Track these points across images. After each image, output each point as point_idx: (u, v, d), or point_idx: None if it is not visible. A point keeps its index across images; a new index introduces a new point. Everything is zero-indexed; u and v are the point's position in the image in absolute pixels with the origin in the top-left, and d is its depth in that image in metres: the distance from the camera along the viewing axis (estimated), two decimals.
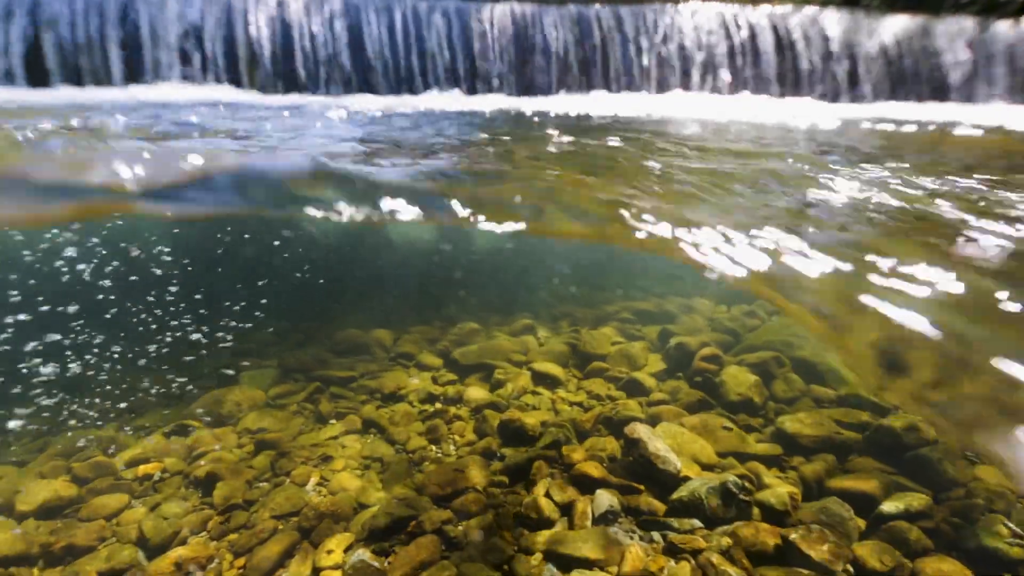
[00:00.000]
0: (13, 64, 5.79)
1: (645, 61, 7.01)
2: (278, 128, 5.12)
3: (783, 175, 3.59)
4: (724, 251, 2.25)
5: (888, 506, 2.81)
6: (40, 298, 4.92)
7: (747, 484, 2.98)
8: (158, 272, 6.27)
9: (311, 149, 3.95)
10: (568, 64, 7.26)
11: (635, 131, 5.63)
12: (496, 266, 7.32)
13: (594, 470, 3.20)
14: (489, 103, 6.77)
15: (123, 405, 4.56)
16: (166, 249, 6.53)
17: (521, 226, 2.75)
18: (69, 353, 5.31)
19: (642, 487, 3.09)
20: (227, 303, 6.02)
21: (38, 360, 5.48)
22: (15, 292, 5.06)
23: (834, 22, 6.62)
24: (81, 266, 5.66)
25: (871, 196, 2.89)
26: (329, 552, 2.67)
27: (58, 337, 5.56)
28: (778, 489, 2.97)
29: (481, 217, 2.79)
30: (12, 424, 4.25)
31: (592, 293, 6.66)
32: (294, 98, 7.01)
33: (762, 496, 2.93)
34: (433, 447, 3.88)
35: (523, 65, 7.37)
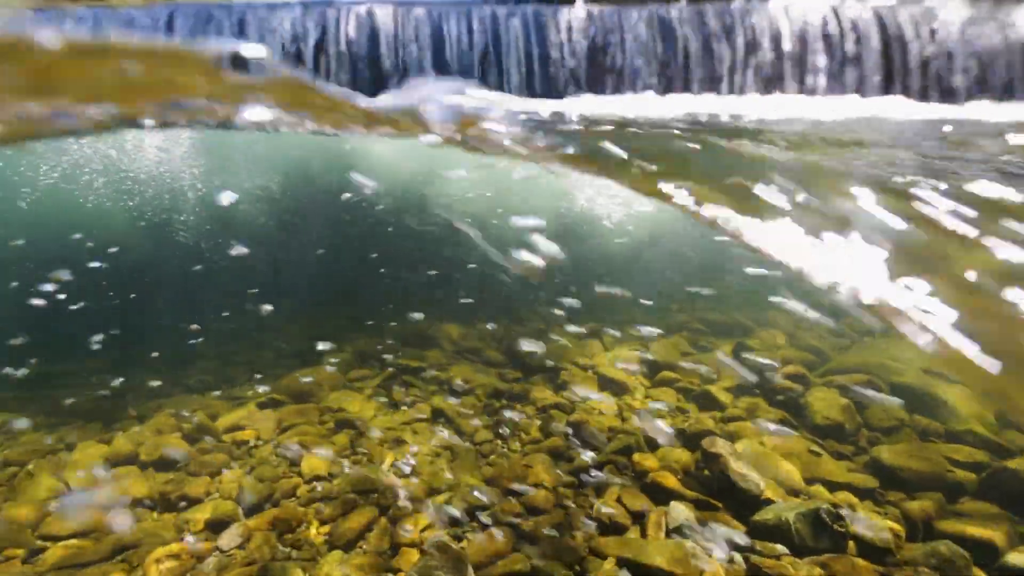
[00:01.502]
0: None
1: (729, 61, 6.71)
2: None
3: (893, 182, 3.29)
4: (824, 257, 2.10)
5: (1017, 558, 2.48)
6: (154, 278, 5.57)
7: (841, 514, 2.76)
8: (251, 254, 6.89)
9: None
10: (645, 65, 7.11)
11: (723, 133, 5.41)
12: (561, 267, 7.32)
13: (669, 481, 3.10)
14: (563, 105, 6.77)
15: (221, 376, 5.05)
16: (265, 234, 7.15)
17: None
18: (176, 323, 5.97)
19: (720, 504, 2.96)
20: (309, 287, 6.48)
21: (155, 327, 6.20)
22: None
23: (954, 14, 5.96)
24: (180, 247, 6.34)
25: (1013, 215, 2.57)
26: (407, 531, 2.80)
27: (161, 310, 6.26)
28: (878, 524, 2.72)
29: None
30: (134, 383, 4.85)
31: (661, 301, 6.47)
32: (382, 97, 7.37)
33: (859, 530, 2.69)
34: (499, 441, 3.94)
35: (597, 67, 7.32)
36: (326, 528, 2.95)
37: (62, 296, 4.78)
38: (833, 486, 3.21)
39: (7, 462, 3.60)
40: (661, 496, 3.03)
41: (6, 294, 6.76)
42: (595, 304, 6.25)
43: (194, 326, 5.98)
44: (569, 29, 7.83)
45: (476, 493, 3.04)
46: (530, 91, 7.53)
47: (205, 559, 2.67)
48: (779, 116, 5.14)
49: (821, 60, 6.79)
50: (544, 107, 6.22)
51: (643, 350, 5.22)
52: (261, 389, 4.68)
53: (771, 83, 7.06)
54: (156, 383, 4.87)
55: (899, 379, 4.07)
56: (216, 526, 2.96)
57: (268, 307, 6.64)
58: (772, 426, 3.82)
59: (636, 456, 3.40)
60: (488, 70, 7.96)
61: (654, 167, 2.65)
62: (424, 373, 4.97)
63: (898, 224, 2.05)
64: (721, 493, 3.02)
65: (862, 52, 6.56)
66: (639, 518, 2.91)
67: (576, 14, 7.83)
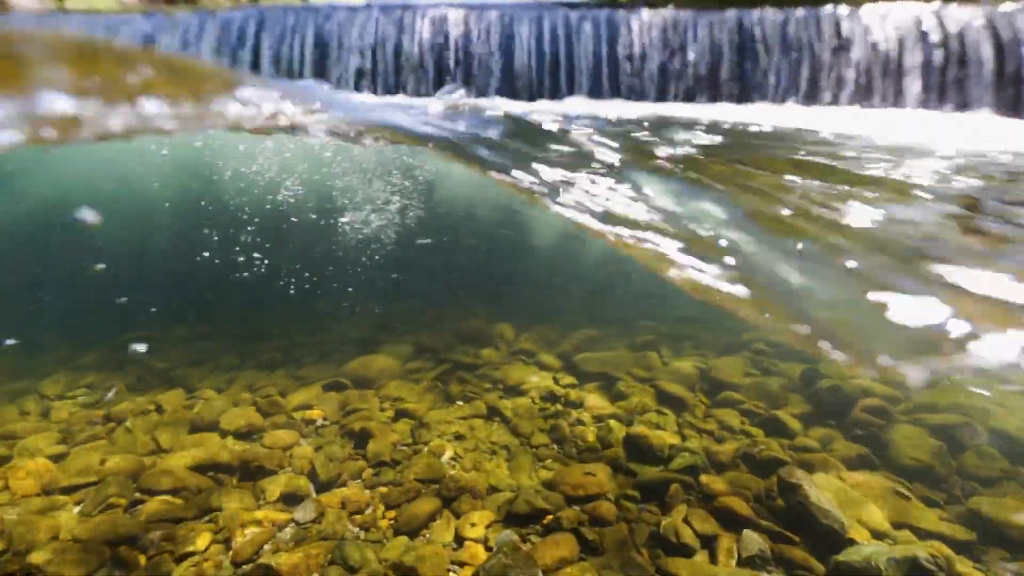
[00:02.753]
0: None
1: (810, 70, 6.37)
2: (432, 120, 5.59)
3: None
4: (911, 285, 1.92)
5: None
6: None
7: (941, 564, 2.53)
8: (321, 243, 7.22)
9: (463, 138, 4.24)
10: (719, 71, 6.87)
11: (797, 146, 5.15)
12: (617, 274, 7.22)
13: (739, 507, 2.96)
14: (633, 110, 6.66)
15: (288, 356, 5.31)
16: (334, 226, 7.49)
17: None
18: (250, 304, 6.34)
19: (797, 538, 2.79)
20: (368, 277, 6.72)
21: (232, 306, 6.60)
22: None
23: None
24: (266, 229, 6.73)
25: None
26: (472, 525, 2.83)
27: (238, 288, 6.65)
28: None
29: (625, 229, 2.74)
30: (213, 355, 5.19)
31: (722, 317, 6.22)
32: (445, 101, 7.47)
33: None
34: (555, 446, 3.92)
35: (670, 72, 7.13)
36: (392, 513, 3.03)
37: (166, 276, 5.20)
38: (923, 534, 2.96)
39: (108, 417, 3.95)
40: (731, 522, 2.91)
41: (134, 271, 7.44)
42: (652, 315, 6.10)
43: (265, 308, 6.33)
44: (643, 33, 7.70)
45: (539, 496, 3.03)
46: (599, 95, 7.47)
47: (283, 529, 2.81)
48: (873, 132, 4.81)
49: (920, 71, 6.31)
50: (616, 111, 6.13)
51: (703, 366, 5.04)
52: (326, 371, 4.89)
53: (861, 94, 6.64)
54: (232, 359, 5.20)
55: (1003, 425, 3.70)
56: (290, 499, 3.11)
57: (331, 295, 6.94)
58: (851, 461, 3.58)
59: (703, 477, 3.27)
60: (556, 74, 7.96)
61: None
62: (478, 370, 5.02)
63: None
64: (798, 527, 2.85)
65: (969, 63, 6.03)
66: (708, 542, 2.79)
67: (651, 17, 7.70)
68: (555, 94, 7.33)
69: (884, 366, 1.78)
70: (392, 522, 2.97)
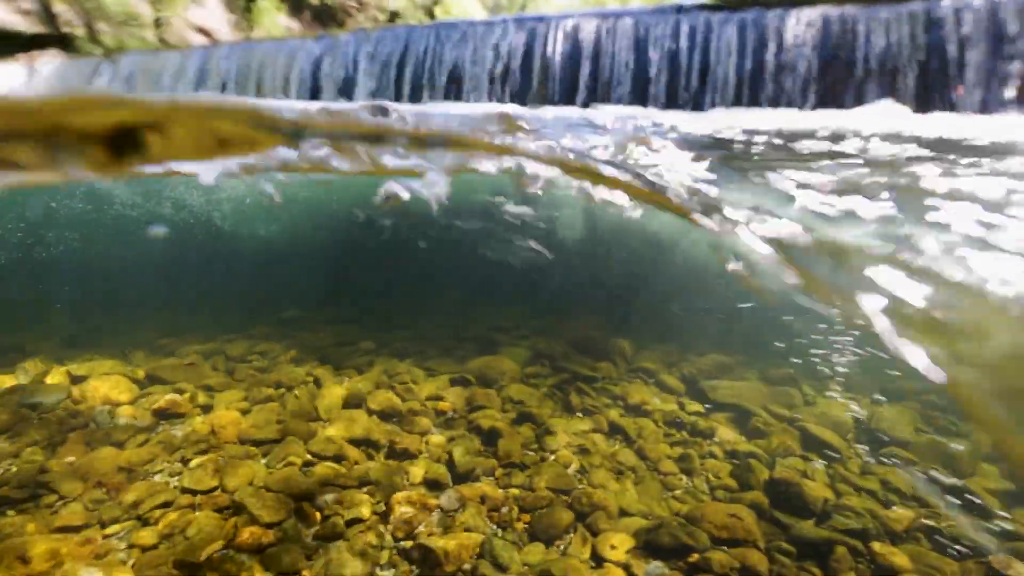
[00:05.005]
0: (385, 86, 7.84)
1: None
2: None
3: None
4: None
5: None
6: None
7: None
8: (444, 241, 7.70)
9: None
10: (895, 74, 6.01)
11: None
12: (750, 298, 6.66)
13: None
14: (783, 118, 6.07)
15: (416, 348, 5.71)
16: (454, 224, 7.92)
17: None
18: (387, 297, 6.94)
19: None
20: (488, 279, 6.99)
21: (372, 297, 7.29)
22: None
23: None
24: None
25: None
26: (612, 547, 2.76)
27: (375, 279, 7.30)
28: None
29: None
30: (355, 339, 5.78)
31: (878, 358, 5.41)
32: (573, 111, 7.53)
33: None
34: (684, 476, 3.70)
35: (830, 76, 6.41)
36: (527, 517, 3.09)
37: (320, 269, 5.92)
38: None
39: (279, 383, 4.58)
40: None
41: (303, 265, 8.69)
42: (793, 347, 5.51)
43: (395, 300, 6.90)
44: (798, 34, 7.04)
45: (683, 530, 2.86)
46: (741, 103, 6.96)
47: (431, 513, 3.01)
48: None
49: None
50: (766, 121, 5.65)
51: (858, 412, 4.42)
52: (450, 366, 5.17)
53: None
54: (369, 343, 5.74)
55: None
56: (431, 485, 3.32)
57: (453, 295, 7.34)
58: None
59: (876, 545, 2.85)
60: (690, 82, 7.59)
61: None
62: (596, 383, 4.94)
63: None
64: None
65: None
66: None
67: (809, 16, 7.00)
68: (694, 104, 6.99)
69: None
70: (527, 526, 3.02)
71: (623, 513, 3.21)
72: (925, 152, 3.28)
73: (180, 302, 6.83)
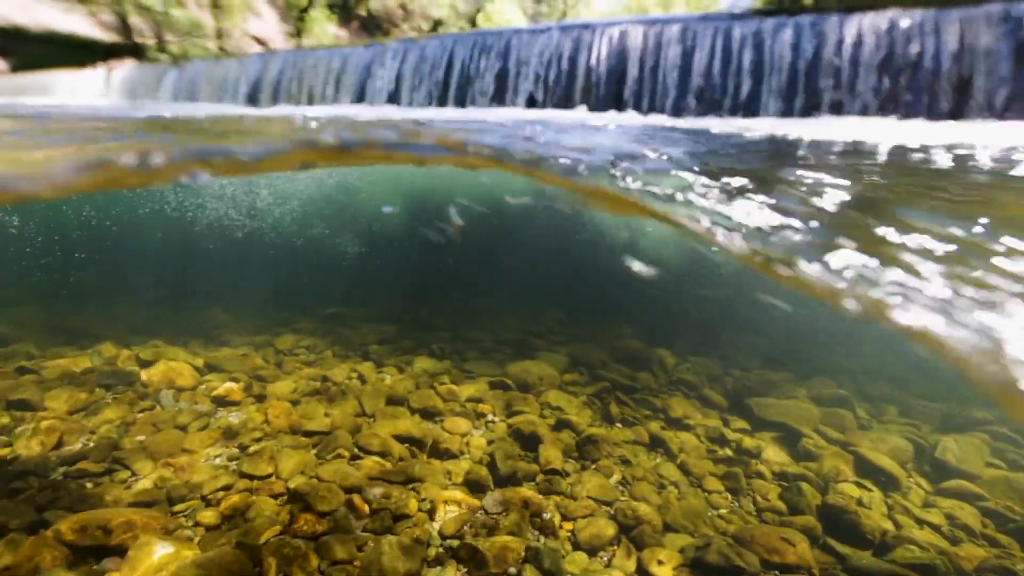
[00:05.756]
0: (432, 92, 8.00)
1: None
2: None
3: None
4: None
5: None
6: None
7: None
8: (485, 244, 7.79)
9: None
10: (971, 81, 5.73)
11: None
12: (797, 314, 6.43)
13: None
14: (844, 129, 5.87)
15: (454, 349, 5.79)
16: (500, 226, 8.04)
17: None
18: (425, 298, 7.07)
19: None
20: (527, 285, 7.02)
21: (411, 299, 7.45)
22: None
23: None
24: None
25: None
26: (660, 563, 2.71)
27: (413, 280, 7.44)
28: None
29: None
30: (392, 338, 5.91)
31: (940, 382, 5.10)
32: (610, 116, 7.49)
33: None
34: (731, 496, 3.59)
35: (895, 84, 6.17)
36: (569, 525, 3.07)
37: (361, 268, 6.10)
38: None
39: (325, 377, 4.74)
40: None
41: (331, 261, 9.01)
42: (845, 366, 5.27)
43: (433, 301, 7.02)
44: (860, 39, 6.80)
45: (733, 551, 2.78)
46: (791, 113, 6.77)
47: (475, 513, 3.03)
48: None
49: None
50: (822, 131, 5.47)
51: (918, 440, 4.18)
52: (488, 369, 5.22)
53: None
54: (408, 342, 5.86)
55: None
56: (473, 486, 3.35)
57: (491, 298, 7.40)
58: None
59: None
60: (739, 91, 7.43)
61: None
62: (636, 394, 4.87)
63: None
64: None
65: None
66: None
67: (874, 21, 6.75)
68: (745, 111, 6.83)
69: None
70: (570, 535, 3.00)
71: (668, 528, 3.14)
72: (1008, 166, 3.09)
73: (230, 295, 7.18)
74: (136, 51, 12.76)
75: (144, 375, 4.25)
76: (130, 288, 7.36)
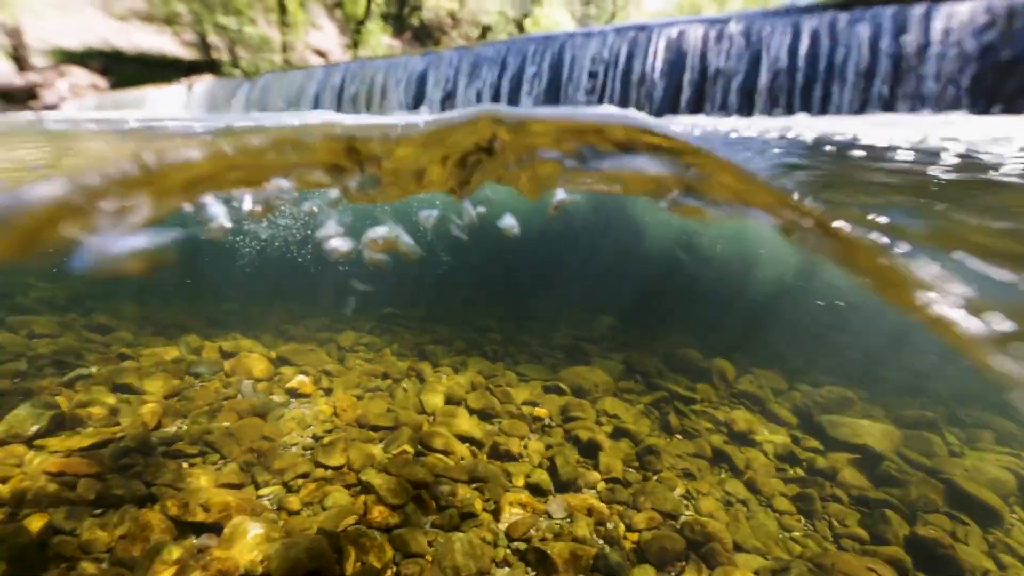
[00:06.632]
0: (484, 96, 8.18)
1: None
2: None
3: None
4: None
5: None
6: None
7: None
8: (532, 251, 7.83)
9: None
10: None
11: None
12: (875, 326, 6.02)
13: None
14: (933, 125, 5.42)
15: (506, 352, 5.84)
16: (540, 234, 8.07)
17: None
18: (477, 303, 7.18)
19: None
20: (580, 289, 6.97)
21: (469, 304, 7.59)
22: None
23: None
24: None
25: None
26: None
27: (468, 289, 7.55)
28: None
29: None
30: (445, 339, 6.05)
31: None
32: (675, 119, 7.28)
33: None
34: (804, 519, 3.40)
35: (988, 76, 5.67)
36: (634, 536, 3.01)
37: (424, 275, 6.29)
38: None
39: (386, 374, 4.91)
40: None
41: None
42: (930, 386, 4.87)
43: (484, 303, 7.12)
44: (946, 32, 6.31)
45: None
46: (865, 110, 6.37)
47: (540, 518, 3.05)
48: None
49: None
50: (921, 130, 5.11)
51: (1021, 471, 3.78)
52: (542, 372, 5.22)
53: None
54: (461, 343, 5.97)
55: None
56: (535, 490, 3.36)
57: (542, 299, 7.41)
58: None
59: None
60: (810, 90, 7.08)
61: None
62: (695, 405, 4.72)
63: None
64: None
65: None
66: None
67: (961, 11, 6.25)
68: (817, 108, 6.49)
69: None
70: (634, 546, 2.95)
71: (738, 548, 3.02)
72: None
73: (294, 293, 7.61)
74: (213, 67, 13.86)
75: (227, 365, 4.58)
76: (209, 285, 7.95)
